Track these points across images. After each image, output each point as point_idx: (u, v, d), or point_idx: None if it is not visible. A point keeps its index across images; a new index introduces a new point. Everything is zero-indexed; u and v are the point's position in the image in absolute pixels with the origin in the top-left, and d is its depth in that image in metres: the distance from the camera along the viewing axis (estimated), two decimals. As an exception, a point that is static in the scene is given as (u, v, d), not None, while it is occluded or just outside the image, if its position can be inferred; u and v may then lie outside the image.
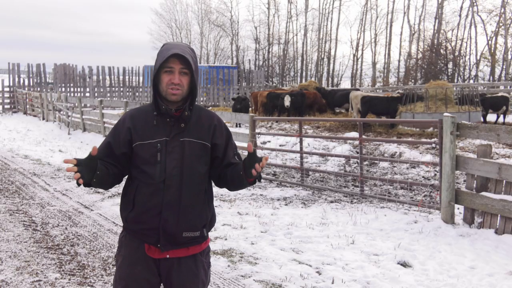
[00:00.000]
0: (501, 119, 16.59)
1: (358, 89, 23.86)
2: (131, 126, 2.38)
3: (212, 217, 2.49)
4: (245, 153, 10.30)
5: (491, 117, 16.82)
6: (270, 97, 19.76)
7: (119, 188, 6.75)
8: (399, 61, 42.08)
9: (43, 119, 21.81)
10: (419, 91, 17.22)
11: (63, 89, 29.66)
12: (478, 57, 36.59)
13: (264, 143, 12.87)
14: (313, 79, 42.76)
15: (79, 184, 2.15)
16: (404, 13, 41.72)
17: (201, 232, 2.40)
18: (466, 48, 37.25)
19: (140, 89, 31.55)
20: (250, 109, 20.37)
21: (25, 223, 6.35)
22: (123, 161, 2.39)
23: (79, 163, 2.16)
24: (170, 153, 2.33)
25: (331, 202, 7.60)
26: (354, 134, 12.77)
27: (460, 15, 37.80)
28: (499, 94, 17.05)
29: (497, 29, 35.24)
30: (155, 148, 2.33)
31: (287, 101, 18.14)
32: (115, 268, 2.52)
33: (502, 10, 34.59)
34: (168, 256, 2.36)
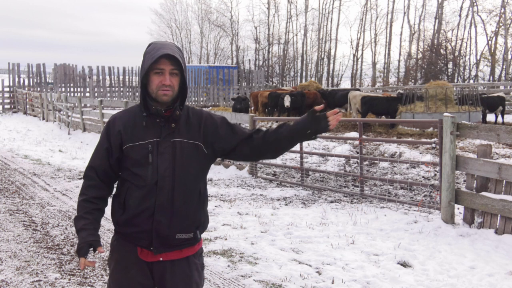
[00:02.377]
0: (500, 119, 16.60)
1: (358, 89, 23.86)
2: (121, 128, 2.34)
3: (206, 219, 2.45)
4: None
5: (492, 117, 16.84)
6: (271, 97, 19.76)
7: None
8: (399, 61, 42.06)
9: (43, 119, 21.80)
10: (419, 91, 17.23)
11: (63, 89, 29.62)
12: (478, 57, 36.58)
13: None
14: (313, 79, 42.73)
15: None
16: (404, 13, 41.72)
17: (194, 233, 2.36)
18: (466, 48, 37.26)
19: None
20: (250, 109, 20.38)
21: (25, 223, 6.35)
22: (116, 167, 2.38)
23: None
24: (162, 154, 2.29)
25: (331, 202, 7.60)
26: (354, 134, 12.77)
27: (460, 15, 37.81)
28: (495, 94, 17.07)
29: (497, 29, 35.24)
30: (146, 149, 2.30)
31: (287, 101, 18.16)
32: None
33: (502, 10, 34.59)
34: (161, 259, 2.33)
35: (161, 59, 2.27)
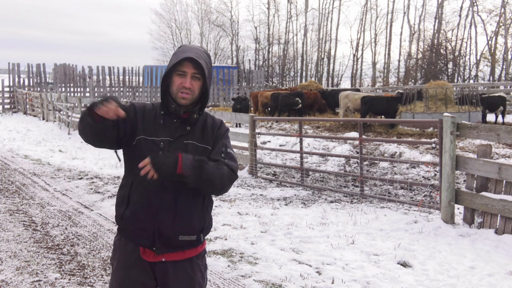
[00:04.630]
0: (500, 119, 16.59)
1: (358, 89, 23.88)
2: (141, 115, 2.34)
3: (210, 222, 2.45)
4: (246, 153, 10.30)
5: (492, 117, 16.84)
6: (273, 97, 19.76)
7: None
8: (399, 61, 42.08)
9: (43, 119, 21.81)
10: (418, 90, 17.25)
11: (63, 89, 29.65)
12: (478, 57, 36.59)
13: (264, 143, 12.87)
14: (313, 79, 42.75)
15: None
16: (404, 13, 41.74)
17: (197, 236, 2.35)
18: (466, 48, 37.26)
19: (140, 89, 31.55)
20: (250, 109, 20.39)
21: (25, 223, 6.35)
22: (121, 131, 2.29)
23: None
24: None
25: (331, 202, 7.60)
26: (354, 134, 12.78)
27: (460, 15, 37.81)
28: (496, 94, 17.07)
29: (497, 29, 35.24)
30: (158, 146, 2.30)
31: (300, 103, 18.42)
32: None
33: (502, 10, 34.59)
34: (163, 259, 2.32)
35: (184, 61, 2.27)
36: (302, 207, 7.26)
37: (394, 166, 10.04)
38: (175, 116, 2.33)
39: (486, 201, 5.53)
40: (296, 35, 46.92)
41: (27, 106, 25.71)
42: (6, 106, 28.01)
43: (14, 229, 6.05)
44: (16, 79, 29.05)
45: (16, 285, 4.33)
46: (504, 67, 34.15)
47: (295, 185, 8.90)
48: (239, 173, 9.98)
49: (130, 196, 2.33)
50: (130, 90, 31.32)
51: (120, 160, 2.46)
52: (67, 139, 15.99)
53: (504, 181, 5.47)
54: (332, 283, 4.38)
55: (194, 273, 2.38)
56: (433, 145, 6.59)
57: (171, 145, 2.31)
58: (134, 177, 2.33)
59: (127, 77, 31.93)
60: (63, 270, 4.70)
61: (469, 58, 37.18)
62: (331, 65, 45.59)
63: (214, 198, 7.60)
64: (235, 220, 6.42)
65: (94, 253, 5.21)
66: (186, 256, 2.36)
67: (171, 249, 2.31)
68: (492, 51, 35.14)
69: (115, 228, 6.03)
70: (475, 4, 36.80)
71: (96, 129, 2.20)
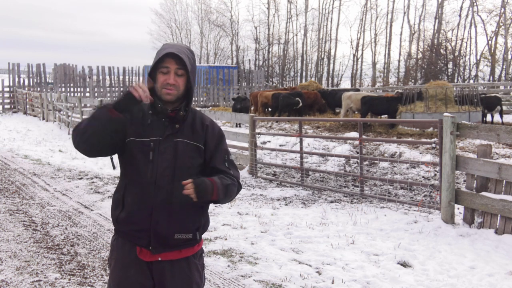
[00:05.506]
0: (498, 119, 16.58)
1: (358, 89, 23.88)
2: (129, 117, 2.33)
3: (206, 221, 2.45)
4: (246, 153, 10.30)
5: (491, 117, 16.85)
6: (275, 97, 19.76)
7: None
8: (399, 61, 42.06)
9: (43, 119, 21.80)
10: (418, 91, 17.25)
11: (63, 89, 29.63)
12: (478, 57, 36.60)
13: (264, 143, 12.87)
14: (313, 79, 42.74)
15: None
16: (404, 13, 41.73)
17: (193, 234, 2.35)
18: (466, 48, 37.27)
19: (140, 89, 31.49)
20: (250, 109, 20.39)
21: (25, 223, 6.35)
22: (120, 131, 2.31)
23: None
24: (163, 153, 2.30)
25: (331, 202, 7.60)
26: (354, 134, 12.77)
27: (460, 15, 37.81)
28: (493, 95, 17.07)
29: (497, 29, 35.25)
30: (148, 146, 2.30)
31: (299, 103, 18.53)
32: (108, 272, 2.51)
33: (502, 10, 34.60)
34: (160, 259, 2.32)
35: (166, 58, 2.28)
36: (302, 207, 7.26)
37: (394, 166, 10.04)
38: (162, 115, 2.33)
39: (486, 201, 5.53)
40: (296, 35, 46.94)
41: (27, 106, 25.69)
42: (6, 106, 27.99)
43: (14, 229, 6.06)
44: (16, 79, 29.02)
45: (16, 285, 4.33)
46: (504, 67, 34.16)
47: (295, 185, 8.90)
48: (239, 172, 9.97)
49: (124, 198, 2.34)
50: (130, 90, 31.25)
51: (114, 168, 2.46)
52: (67, 139, 15.99)
53: (504, 181, 5.47)
54: (332, 283, 4.38)
55: (191, 272, 2.38)
56: (433, 145, 6.59)
57: (161, 144, 2.31)
58: (128, 180, 2.34)
59: (127, 77, 31.91)
60: (63, 270, 4.70)
61: (469, 58, 37.24)
62: (331, 65, 45.61)
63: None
64: (235, 220, 6.42)
65: (94, 253, 5.21)
66: (183, 256, 2.36)
67: (168, 248, 2.32)
68: (492, 51, 35.15)
69: (115, 228, 6.03)
70: (475, 4, 36.81)
71: (109, 130, 2.23)
